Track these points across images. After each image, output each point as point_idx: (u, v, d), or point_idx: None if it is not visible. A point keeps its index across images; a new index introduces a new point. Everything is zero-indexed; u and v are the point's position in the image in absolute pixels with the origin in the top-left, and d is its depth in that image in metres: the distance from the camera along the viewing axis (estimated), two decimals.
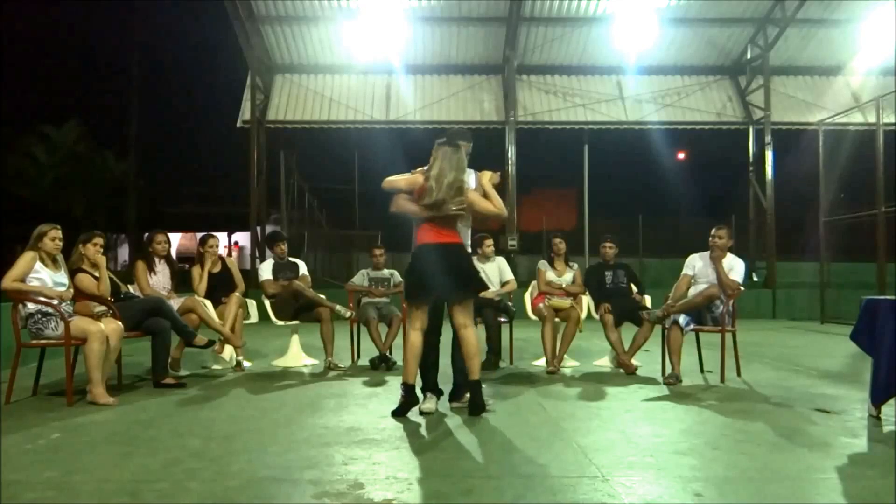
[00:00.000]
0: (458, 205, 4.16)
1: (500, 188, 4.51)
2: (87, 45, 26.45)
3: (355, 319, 6.60)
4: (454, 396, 4.44)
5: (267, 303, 6.60)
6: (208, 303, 6.10)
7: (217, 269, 6.44)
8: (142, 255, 6.20)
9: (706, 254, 5.80)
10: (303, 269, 6.81)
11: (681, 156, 27.19)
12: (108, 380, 4.80)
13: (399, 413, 4.12)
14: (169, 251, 6.20)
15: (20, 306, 4.67)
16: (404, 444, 3.55)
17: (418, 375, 4.24)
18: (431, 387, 4.35)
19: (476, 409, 4.15)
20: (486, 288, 4.37)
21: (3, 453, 3.30)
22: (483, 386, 4.31)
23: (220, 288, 6.32)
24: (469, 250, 4.53)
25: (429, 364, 4.32)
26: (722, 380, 5.51)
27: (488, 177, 4.41)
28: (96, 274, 5.12)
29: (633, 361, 6.00)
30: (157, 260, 6.05)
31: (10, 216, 19.14)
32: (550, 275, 6.66)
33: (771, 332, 10.49)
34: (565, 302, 6.36)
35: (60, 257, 4.89)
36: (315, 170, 21.25)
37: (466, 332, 4.19)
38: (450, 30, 14.68)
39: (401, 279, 6.81)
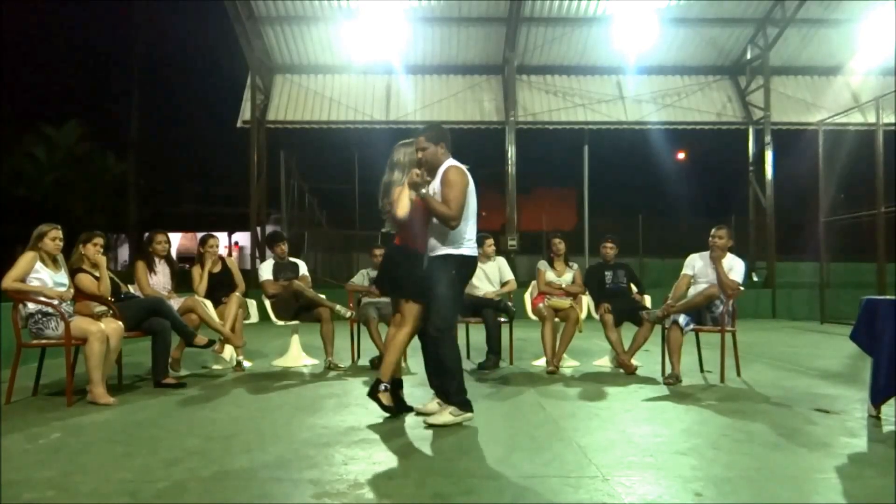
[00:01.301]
0: (386, 206, 4.16)
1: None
2: (87, 45, 26.47)
3: (355, 319, 6.60)
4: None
5: (267, 303, 6.60)
6: (208, 303, 6.10)
7: (217, 269, 6.45)
8: (142, 255, 6.21)
9: (706, 254, 5.80)
10: (303, 269, 6.82)
11: (681, 156, 27.24)
12: (109, 380, 4.81)
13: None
14: (169, 251, 6.21)
15: (20, 306, 4.68)
16: (404, 444, 3.56)
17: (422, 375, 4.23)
18: (434, 389, 4.33)
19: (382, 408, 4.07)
20: (401, 294, 4.05)
21: (3, 453, 3.31)
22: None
23: (220, 288, 6.33)
24: (443, 252, 4.03)
25: (428, 368, 4.26)
26: (722, 380, 5.52)
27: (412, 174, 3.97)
28: (96, 274, 5.12)
29: (633, 361, 6.00)
30: (157, 260, 6.06)
31: (10, 216, 19.12)
32: (550, 275, 6.66)
33: (771, 332, 10.49)
34: (565, 302, 6.37)
35: (61, 257, 4.90)
36: (315, 170, 21.26)
37: (396, 332, 4.13)
38: (450, 30, 14.68)
39: None
